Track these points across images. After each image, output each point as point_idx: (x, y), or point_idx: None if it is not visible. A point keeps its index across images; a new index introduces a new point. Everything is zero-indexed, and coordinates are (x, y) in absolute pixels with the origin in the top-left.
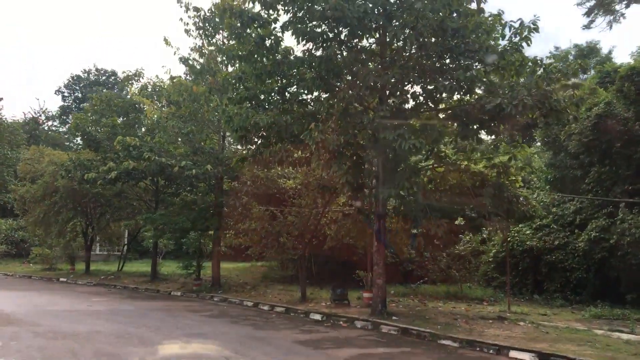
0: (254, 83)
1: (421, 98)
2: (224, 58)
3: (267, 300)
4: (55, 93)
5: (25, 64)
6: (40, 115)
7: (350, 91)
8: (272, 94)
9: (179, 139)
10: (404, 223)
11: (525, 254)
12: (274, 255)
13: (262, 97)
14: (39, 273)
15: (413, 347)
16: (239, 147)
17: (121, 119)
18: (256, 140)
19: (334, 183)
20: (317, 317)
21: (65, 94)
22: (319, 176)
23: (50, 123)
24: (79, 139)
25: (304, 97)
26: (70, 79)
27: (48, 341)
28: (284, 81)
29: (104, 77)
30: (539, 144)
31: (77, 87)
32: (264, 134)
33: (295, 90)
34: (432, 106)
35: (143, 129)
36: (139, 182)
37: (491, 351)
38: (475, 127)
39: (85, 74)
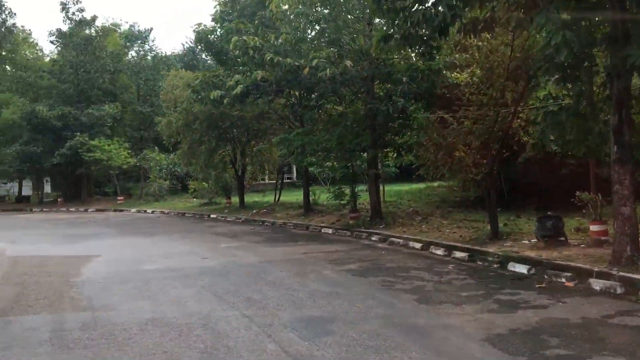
0: None
1: None
2: None
3: (443, 237)
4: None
5: None
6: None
7: None
8: None
9: (309, 31)
10: None
11: None
12: (450, 175)
13: None
14: (195, 209)
15: None
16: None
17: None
18: None
19: (531, 61)
20: (521, 268)
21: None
22: (510, 54)
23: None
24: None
25: None
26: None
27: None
28: None
29: None
30: None
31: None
32: None
33: None
34: None
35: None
36: (275, 97)
37: None
38: None
39: None
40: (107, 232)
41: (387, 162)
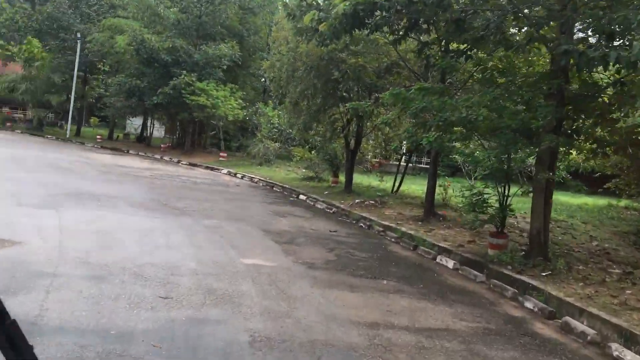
0: None
1: None
2: None
3: None
4: None
5: None
6: None
7: None
8: None
9: None
10: None
11: None
12: None
13: None
14: (293, 182)
15: None
16: None
17: None
18: None
19: None
20: None
21: None
22: None
23: None
24: None
25: None
26: None
27: None
28: None
29: None
30: None
31: None
32: None
33: None
34: None
35: None
36: (405, 34)
37: None
38: None
39: None
40: (124, 194)
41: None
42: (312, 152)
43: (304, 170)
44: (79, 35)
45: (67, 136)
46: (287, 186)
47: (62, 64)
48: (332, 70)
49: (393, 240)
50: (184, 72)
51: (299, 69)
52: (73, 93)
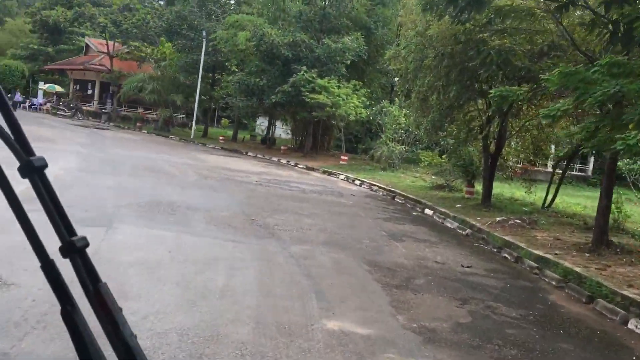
0: None
1: None
2: None
3: None
4: None
5: None
6: None
7: None
8: None
9: None
10: None
11: None
12: None
13: None
14: (419, 192)
15: None
16: None
17: None
18: None
19: None
20: None
21: None
22: None
23: None
24: None
25: None
26: None
27: None
28: None
29: None
30: None
31: None
32: None
33: None
34: None
35: None
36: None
37: None
38: None
39: None
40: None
41: None
42: (443, 156)
43: (432, 178)
44: (204, 33)
45: (192, 137)
46: (411, 196)
47: (189, 63)
48: (470, 54)
49: (554, 283)
50: (304, 67)
51: (427, 56)
52: (198, 93)
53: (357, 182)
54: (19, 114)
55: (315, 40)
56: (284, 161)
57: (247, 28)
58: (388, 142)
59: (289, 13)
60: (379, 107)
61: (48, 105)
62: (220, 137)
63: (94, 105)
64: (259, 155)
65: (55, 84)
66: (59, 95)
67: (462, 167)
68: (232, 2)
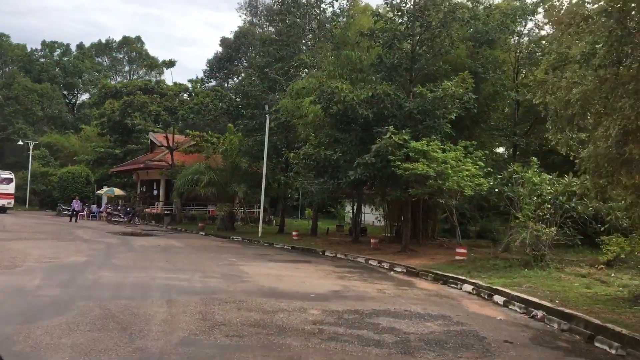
0: None
1: None
2: None
3: None
4: None
5: None
6: None
7: None
8: None
9: None
10: None
11: None
12: None
13: None
14: (612, 309)
15: None
16: None
17: None
18: None
19: None
20: None
21: None
22: None
23: None
24: None
25: None
26: None
27: None
28: None
29: None
30: None
31: None
32: None
33: None
34: None
35: None
36: None
37: None
38: None
39: None
40: None
41: None
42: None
43: (622, 280)
44: (266, 108)
45: (260, 235)
46: (611, 327)
47: (252, 145)
48: None
49: None
50: (391, 127)
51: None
52: (264, 180)
53: (498, 298)
54: (67, 225)
55: (403, 93)
56: (373, 262)
57: (314, 94)
58: (529, 222)
59: (365, 64)
60: (507, 174)
61: (105, 212)
62: (294, 233)
63: (157, 207)
64: (339, 256)
65: (124, 186)
66: (119, 198)
67: None
68: (295, 65)
